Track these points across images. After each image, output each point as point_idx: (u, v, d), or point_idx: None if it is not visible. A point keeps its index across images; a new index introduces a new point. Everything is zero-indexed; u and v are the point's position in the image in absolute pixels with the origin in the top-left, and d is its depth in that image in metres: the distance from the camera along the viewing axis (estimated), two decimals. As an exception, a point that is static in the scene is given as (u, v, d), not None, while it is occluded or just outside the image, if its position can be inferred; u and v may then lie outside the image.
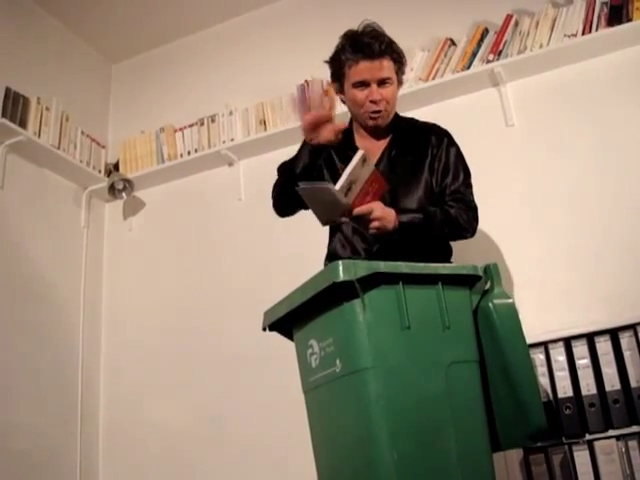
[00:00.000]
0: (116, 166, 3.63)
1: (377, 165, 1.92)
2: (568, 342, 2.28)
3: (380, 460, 1.45)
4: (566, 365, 2.25)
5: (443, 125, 2.08)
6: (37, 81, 3.39)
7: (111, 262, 3.63)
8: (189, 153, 3.48)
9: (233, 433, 3.03)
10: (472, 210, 1.93)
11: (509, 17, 2.97)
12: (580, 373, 2.23)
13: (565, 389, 2.23)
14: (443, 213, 1.86)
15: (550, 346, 2.29)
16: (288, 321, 1.77)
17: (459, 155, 2.00)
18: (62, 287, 3.30)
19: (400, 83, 2.01)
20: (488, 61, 2.93)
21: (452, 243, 2.01)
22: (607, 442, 2.12)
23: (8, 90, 3.14)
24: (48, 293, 3.21)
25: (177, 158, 3.50)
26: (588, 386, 2.20)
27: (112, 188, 3.48)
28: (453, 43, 3.07)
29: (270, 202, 2.07)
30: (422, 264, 1.61)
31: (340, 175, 1.73)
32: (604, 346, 2.23)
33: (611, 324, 2.25)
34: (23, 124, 3.17)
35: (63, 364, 3.19)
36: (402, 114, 2.10)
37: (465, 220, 1.88)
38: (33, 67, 3.43)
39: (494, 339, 1.64)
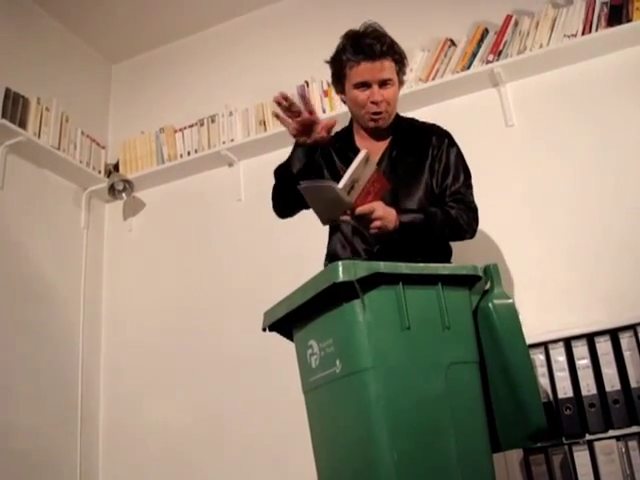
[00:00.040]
0: (116, 167, 3.63)
1: (377, 166, 1.92)
2: (568, 342, 2.28)
3: (380, 460, 1.45)
4: (566, 365, 2.25)
5: (443, 125, 2.08)
6: (37, 81, 3.39)
7: (111, 263, 3.63)
8: (189, 153, 3.48)
9: (233, 433, 3.03)
10: (472, 211, 1.93)
11: (509, 17, 2.97)
12: (580, 373, 2.23)
13: (565, 389, 2.23)
14: (444, 214, 1.86)
15: (550, 346, 2.29)
16: (288, 321, 1.76)
17: (459, 156, 2.00)
18: (62, 287, 3.30)
19: (401, 83, 2.01)
20: (488, 61, 2.93)
21: (452, 244, 2.00)
22: (607, 442, 2.12)
23: (8, 90, 3.14)
24: (48, 293, 3.21)
25: (177, 158, 3.50)
26: (588, 386, 2.20)
27: (112, 189, 3.48)
28: (453, 43, 3.07)
29: (270, 203, 2.07)
30: (422, 264, 1.61)
31: (340, 175, 1.73)
32: (604, 346, 2.23)
33: (611, 324, 2.25)
34: (23, 124, 3.17)
35: (63, 364, 3.19)
36: (402, 114, 2.10)
37: (465, 221, 1.88)
38: (33, 67, 3.43)
39: (494, 339, 1.64)
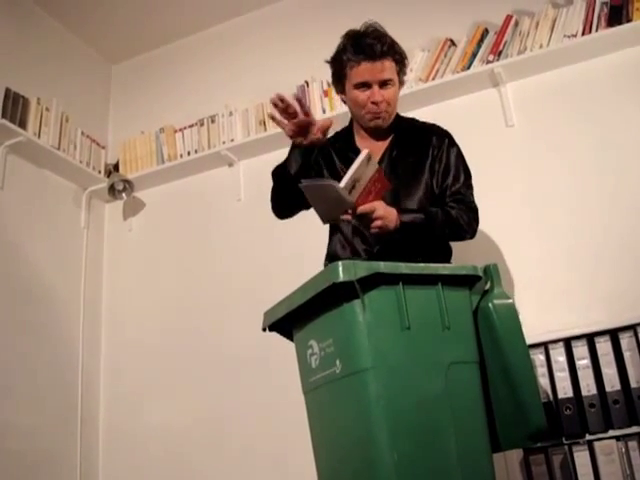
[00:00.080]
0: (116, 167, 3.63)
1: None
2: (568, 342, 2.28)
3: (380, 460, 1.45)
4: (566, 365, 2.25)
5: (443, 126, 2.08)
6: (37, 82, 3.39)
7: (111, 263, 3.63)
8: (189, 154, 3.48)
9: (233, 433, 3.03)
10: (473, 211, 1.93)
11: (509, 17, 2.97)
12: (580, 373, 2.23)
13: (565, 389, 2.23)
14: (444, 214, 1.86)
15: (550, 346, 2.29)
16: (288, 321, 1.76)
17: (460, 156, 2.00)
18: (62, 288, 3.30)
19: (401, 83, 2.01)
20: (488, 61, 2.93)
21: (452, 244, 2.00)
22: (607, 442, 2.12)
23: (8, 91, 3.14)
24: (48, 294, 3.21)
25: (177, 159, 3.50)
26: (588, 386, 2.20)
27: (112, 189, 3.48)
28: (453, 43, 3.07)
29: (270, 203, 2.07)
30: (422, 264, 1.61)
31: (341, 176, 1.73)
32: (604, 346, 2.23)
33: (611, 324, 2.26)
34: (23, 125, 3.17)
35: (63, 365, 3.19)
36: (402, 114, 2.10)
37: (466, 221, 1.88)
38: (33, 68, 3.43)
39: (494, 339, 1.64)
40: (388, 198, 1.83)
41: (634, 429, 2.12)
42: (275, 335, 1.86)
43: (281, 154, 1.99)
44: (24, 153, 3.22)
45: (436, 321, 1.58)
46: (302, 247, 2.95)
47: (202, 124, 3.50)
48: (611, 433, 2.14)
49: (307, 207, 2.02)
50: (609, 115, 2.77)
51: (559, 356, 2.27)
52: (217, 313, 3.25)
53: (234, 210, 3.40)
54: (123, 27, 3.76)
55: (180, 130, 3.55)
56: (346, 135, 2.09)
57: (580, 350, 2.25)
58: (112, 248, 3.66)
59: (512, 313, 1.67)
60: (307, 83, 3.30)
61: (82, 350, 3.30)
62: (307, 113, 1.84)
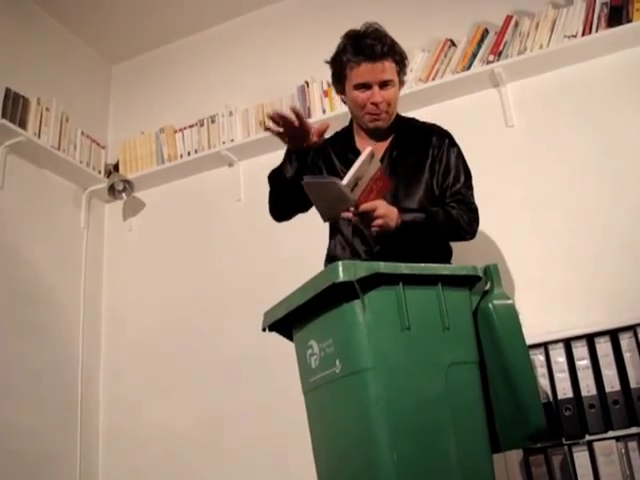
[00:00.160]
0: (116, 167, 3.63)
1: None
2: (568, 343, 2.28)
3: (380, 461, 1.45)
4: (566, 366, 2.25)
5: (443, 126, 2.08)
6: (37, 82, 3.39)
7: (111, 263, 3.63)
8: (189, 154, 3.48)
9: (233, 433, 3.03)
10: (473, 212, 1.92)
11: (509, 18, 2.97)
12: (580, 374, 2.23)
13: (565, 390, 2.23)
14: (445, 213, 1.86)
15: (550, 347, 2.29)
16: (288, 322, 1.76)
17: (460, 156, 2.00)
18: (62, 288, 3.30)
19: (402, 84, 2.00)
20: (488, 62, 2.93)
21: (452, 244, 2.00)
22: (607, 443, 2.12)
23: (8, 91, 3.14)
24: (48, 294, 3.21)
25: (177, 159, 3.50)
26: (588, 387, 2.20)
27: (112, 189, 3.48)
28: (453, 44, 3.07)
29: (268, 205, 2.07)
30: (422, 265, 1.61)
31: (341, 176, 1.72)
32: (604, 347, 2.23)
33: (611, 325, 2.25)
34: (23, 125, 3.17)
35: (63, 365, 3.19)
36: (402, 115, 2.10)
37: (466, 222, 1.88)
38: (33, 68, 3.43)
39: (494, 340, 1.64)
40: (388, 198, 1.83)
41: (634, 430, 2.11)
42: (275, 335, 1.86)
43: (281, 154, 1.99)
44: (24, 153, 3.22)
45: (436, 321, 1.58)
46: (302, 247, 2.95)
47: (202, 124, 3.50)
48: (611, 434, 2.14)
49: (305, 210, 2.03)
50: (609, 115, 2.77)
51: (559, 357, 2.27)
52: (217, 313, 3.24)
53: (234, 210, 3.40)
54: (123, 27, 3.76)
55: (180, 130, 3.55)
56: (346, 135, 2.09)
57: (580, 351, 2.25)
58: (112, 248, 3.66)
59: (512, 314, 1.67)
60: (307, 83, 3.30)
61: (82, 350, 3.30)
62: (302, 121, 1.82)
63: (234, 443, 3.01)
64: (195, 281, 3.37)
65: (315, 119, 3.16)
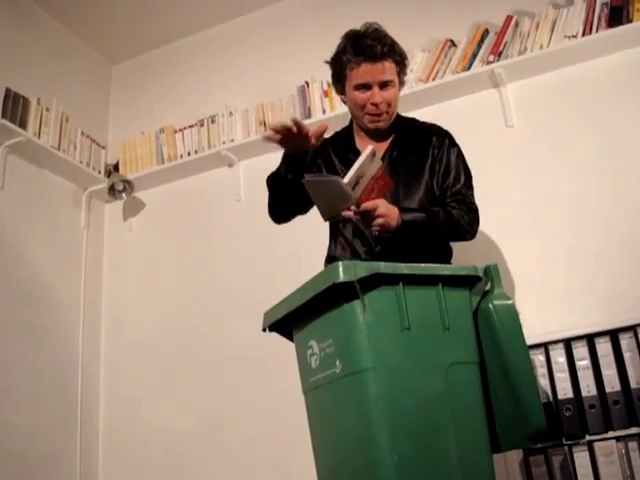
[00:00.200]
0: (116, 167, 3.63)
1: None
2: (568, 343, 2.28)
3: (380, 461, 1.45)
4: (566, 366, 2.25)
5: (443, 126, 2.08)
6: (37, 82, 3.39)
7: (111, 263, 3.63)
8: (189, 154, 3.48)
9: (233, 433, 3.03)
10: (473, 212, 1.92)
11: (509, 18, 2.97)
12: (580, 374, 2.22)
13: (565, 390, 2.23)
14: (446, 213, 1.86)
15: (550, 347, 2.29)
16: (288, 322, 1.76)
17: (460, 156, 2.00)
18: (62, 288, 3.30)
19: (402, 84, 2.00)
20: (488, 62, 2.93)
21: (452, 244, 2.00)
22: (607, 443, 2.12)
23: (8, 91, 3.14)
24: (48, 294, 3.21)
25: (177, 159, 3.50)
26: (588, 387, 2.20)
27: (112, 189, 3.48)
28: (453, 44, 3.07)
29: (267, 207, 2.07)
30: (422, 265, 1.61)
31: (341, 176, 1.72)
32: (604, 347, 2.23)
33: (611, 325, 2.25)
34: (23, 125, 3.17)
35: (63, 365, 3.19)
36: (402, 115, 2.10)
37: (466, 222, 1.88)
38: (33, 68, 3.43)
39: (494, 340, 1.64)
40: (389, 198, 1.82)
41: (634, 430, 2.11)
42: (275, 335, 1.86)
43: (281, 155, 1.99)
44: (24, 153, 3.22)
45: (436, 322, 1.58)
46: (302, 247, 2.95)
47: (202, 124, 3.50)
48: (611, 434, 2.14)
49: (304, 212, 2.03)
50: (609, 116, 2.77)
51: (559, 357, 2.27)
52: (217, 313, 3.24)
53: (234, 210, 3.40)
54: (123, 27, 3.76)
55: (180, 130, 3.55)
56: (346, 135, 2.08)
57: (580, 351, 2.25)
58: (112, 248, 3.66)
59: (512, 314, 1.67)
60: (307, 84, 3.30)
61: (82, 350, 3.30)
62: (300, 128, 1.81)
63: (234, 443, 3.01)
64: (195, 281, 3.37)
65: (315, 119, 3.16)
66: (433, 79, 3.03)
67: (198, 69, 3.77)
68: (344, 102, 2.06)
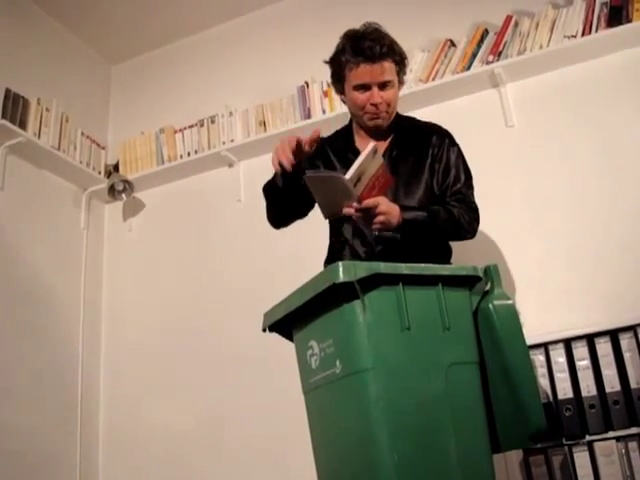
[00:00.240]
0: (116, 167, 3.63)
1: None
2: (568, 343, 2.28)
3: (380, 461, 1.45)
4: (566, 366, 2.25)
5: (443, 126, 2.08)
6: (37, 82, 3.39)
7: (111, 263, 3.63)
8: (189, 154, 3.48)
9: (233, 434, 3.03)
10: (473, 211, 1.92)
11: (509, 18, 2.97)
12: (580, 374, 2.23)
13: (565, 390, 2.23)
14: (446, 212, 1.85)
15: (550, 347, 2.29)
16: (288, 322, 1.76)
17: (460, 156, 1.99)
18: (62, 288, 3.30)
19: (401, 83, 2.00)
20: (488, 62, 2.93)
21: (452, 244, 2.00)
22: (607, 443, 2.12)
23: (8, 91, 3.14)
24: (48, 294, 3.21)
25: (177, 159, 3.50)
26: (588, 387, 2.20)
27: (112, 189, 3.48)
28: (453, 44, 3.07)
29: (265, 212, 2.06)
30: (422, 265, 1.61)
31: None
32: (604, 347, 2.23)
33: (611, 325, 2.25)
34: (23, 125, 3.17)
35: (63, 365, 3.19)
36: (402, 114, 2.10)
37: (467, 221, 1.88)
38: (33, 68, 3.43)
39: (494, 340, 1.64)
40: (388, 197, 1.82)
41: (634, 430, 2.11)
42: (275, 335, 1.86)
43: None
44: (24, 154, 3.22)
45: (436, 322, 1.58)
46: (302, 248, 2.95)
47: (202, 124, 3.50)
48: (611, 434, 2.14)
49: (302, 216, 2.04)
50: (609, 115, 2.77)
51: (559, 357, 2.27)
52: (217, 313, 3.25)
53: (234, 211, 3.40)
54: (123, 27, 3.76)
55: (180, 130, 3.55)
56: (345, 135, 2.08)
57: (580, 351, 2.25)
58: (112, 249, 3.66)
59: (512, 314, 1.67)
60: (307, 84, 3.30)
61: (82, 350, 3.30)
62: (298, 143, 1.82)
63: (234, 443, 3.01)
64: (195, 281, 3.37)
65: (315, 119, 3.17)
66: (433, 79, 3.03)
67: (198, 69, 3.77)
68: (344, 102, 2.06)
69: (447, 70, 3.02)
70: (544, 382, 2.25)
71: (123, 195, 3.51)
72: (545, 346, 2.29)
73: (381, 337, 1.51)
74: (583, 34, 2.79)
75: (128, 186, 3.50)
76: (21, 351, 2.97)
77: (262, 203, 2.08)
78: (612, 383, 2.18)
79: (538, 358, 2.28)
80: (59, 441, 3.05)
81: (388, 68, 1.89)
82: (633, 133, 2.71)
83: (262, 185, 2.03)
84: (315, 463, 1.72)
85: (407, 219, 1.77)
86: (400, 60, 1.94)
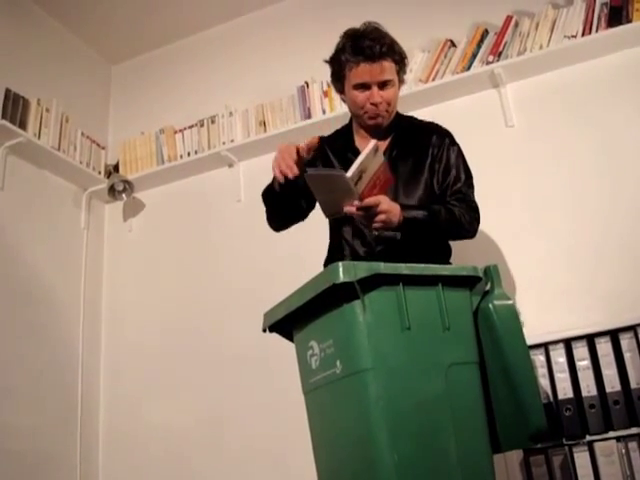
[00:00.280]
0: (116, 167, 3.63)
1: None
2: (568, 343, 2.28)
3: (380, 461, 1.45)
4: (566, 366, 2.25)
5: (443, 126, 2.08)
6: (37, 82, 3.39)
7: (111, 263, 3.63)
8: (189, 154, 3.48)
9: (233, 434, 3.03)
10: (474, 211, 1.92)
11: (509, 18, 2.97)
12: (580, 374, 2.22)
13: (565, 390, 2.23)
14: (447, 211, 1.85)
15: (550, 347, 2.29)
16: (288, 322, 1.76)
17: (460, 155, 1.99)
18: (62, 288, 3.30)
19: (401, 83, 2.00)
20: (488, 62, 2.93)
21: (452, 244, 2.00)
22: (607, 443, 2.12)
23: (8, 91, 3.14)
24: (48, 295, 3.21)
25: (177, 159, 3.50)
26: (588, 387, 2.20)
27: (112, 189, 3.48)
28: (453, 44, 3.07)
29: (265, 215, 2.07)
30: (422, 265, 1.61)
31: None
32: (604, 347, 2.23)
33: (611, 325, 2.25)
34: (23, 125, 3.17)
35: (63, 365, 3.19)
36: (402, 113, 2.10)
37: (467, 220, 1.88)
38: (33, 68, 3.43)
39: (494, 340, 1.64)
40: (390, 196, 1.82)
41: (634, 430, 2.11)
42: (275, 335, 1.86)
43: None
44: (24, 154, 3.22)
45: (436, 322, 1.58)
46: (302, 248, 2.94)
47: (202, 125, 3.50)
48: (611, 434, 2.14)
49: (302, 219, 2.05)
50: (608, 116, 2.77)
51: (559, 357, 2.27)
52: (217, 313, 3.25)
53: (234, 211, 3.40)
54: (123, 27, 3.76)
55: (180, 131, 3.55)
56: (345, 134, 2.08)
57: (580, 351, 2.25)
58: (112, 249, 3.66)
59: (512, 314, 1.67)
60: (307, 84, 3.30)
61: (82, 350, 3.30)
62: (298, 152, 1.83)
63: (234, 443, 3.01)
64: (195, 281, 3.37)
65: (315, 119, 3.17)
66: (433, 79, 3.03)
67: (198, 69, 3.77)
68: (343, 101, 2.06)
69: (447, 70, 3.02)
70: (544, 382, 2.25)
71: (123, 195, 3.51)
72: (545, 346, 2.29)
73: (381, 337, 1.51)
74: (583, 34, 2.79)
75: (128, 186, 3.50)
76: (21, 351, 2.97)
77: (262, 204, 2.08)
78: (612, 383, 2.18)
79: (538, 358, 2.28)
80: (59, 441, 3.05)
81: (388, 67, 1.89)
82: (633, 133, 2.72)
83: (262, 185, 2.03)
84: (315, 463, 1.72)
85: (408, 218, 1.77)
86: (400, 59, 1.94)
